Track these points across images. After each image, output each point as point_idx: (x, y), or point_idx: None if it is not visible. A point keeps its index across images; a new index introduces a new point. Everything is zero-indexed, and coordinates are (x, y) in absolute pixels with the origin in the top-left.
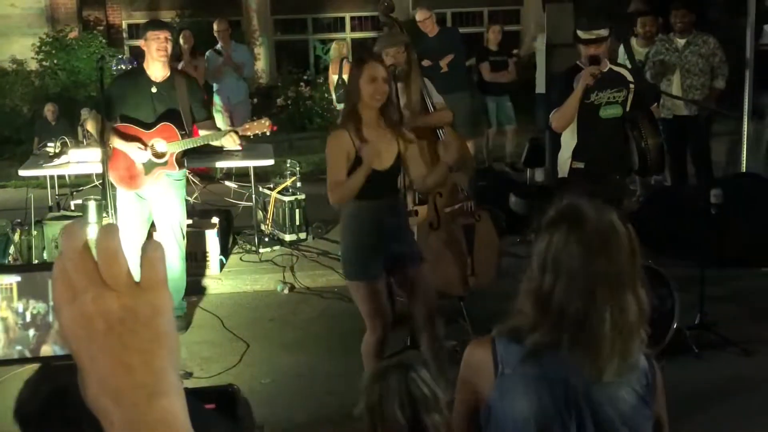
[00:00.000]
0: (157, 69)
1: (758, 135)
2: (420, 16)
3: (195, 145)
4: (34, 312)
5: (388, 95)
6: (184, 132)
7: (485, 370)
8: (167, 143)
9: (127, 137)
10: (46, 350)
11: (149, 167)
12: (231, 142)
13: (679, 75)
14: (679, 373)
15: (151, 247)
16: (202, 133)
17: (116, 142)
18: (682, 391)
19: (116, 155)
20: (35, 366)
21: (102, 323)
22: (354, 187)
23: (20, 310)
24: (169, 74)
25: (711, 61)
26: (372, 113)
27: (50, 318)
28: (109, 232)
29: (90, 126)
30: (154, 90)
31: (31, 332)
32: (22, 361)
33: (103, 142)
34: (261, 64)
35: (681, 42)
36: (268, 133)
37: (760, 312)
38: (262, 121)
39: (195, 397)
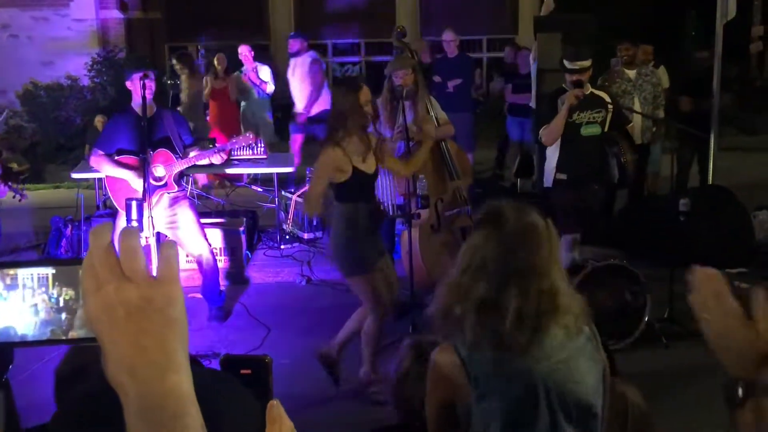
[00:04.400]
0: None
1: None
2: (447, 36)
3: (188, 166)
4: (66, 297)
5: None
6: (178, 155)
7: (457, 375)
8: (164, 167)
9: (127, 167)
10: (73, 333)
11: (151, 191)
12: (219, 159)
13: (639, 103)
14: (650, 360)
15: (166, 245)
16: (192, 154)
17: (118, 173)
18: (651, 376)
19: (119, 184)
20: None
21: (122, 310)
22: (315, 193)
23: (54, 295)
24: (155, 110)
25: (656, 90)
26: (360, 129)
27: (79, 303)
28: (130, 233)
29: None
30: (144, 124)
31: (63, 315)
32: (54, 342)
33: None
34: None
35: (631, 73)
36: (253, 144)
37: None
38: (247, 135)
39: (236, 363)
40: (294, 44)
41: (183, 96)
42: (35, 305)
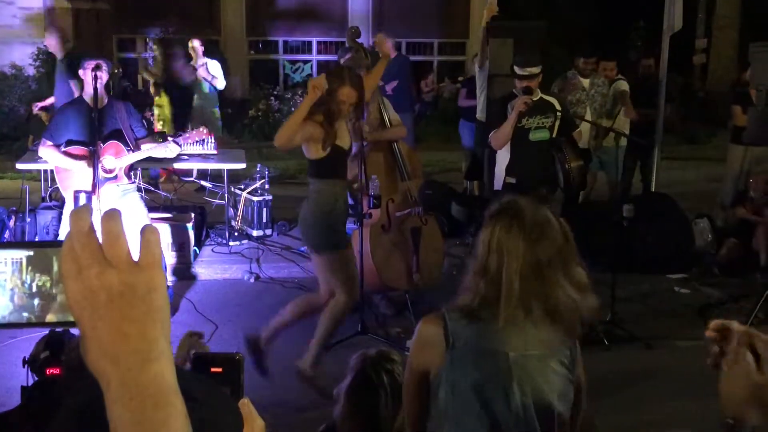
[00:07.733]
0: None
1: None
2: (379, 40)
3: (140, 158)
4: (39, 284)
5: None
6: (129, 148)
7: (437, 344)
8: (115, 159)
9: (77, 158)
10: (51, 318)
11: (101, 183)
12: (172, 152)
13: (590, 112)
14: (591, 362)
15: (148, 230)
16: (145, 147)
17: (67, 163)
18: (592, 377)
19: (69, 175)
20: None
21: (104, 296)
22: (295, 121)
23: (27, 281)
24: (107, 101)
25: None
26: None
27: (54, 290)
28: (112, 216)
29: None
30: (94, 115)
31: (36, 301)
32: (31, 325)
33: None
34: (236, 80)
35: (585, 82)
36: (205, 139)
37: (661, 312)
38: (200, 129)
39: (206, 361)
40: None
41: None
42: (11, 290)
